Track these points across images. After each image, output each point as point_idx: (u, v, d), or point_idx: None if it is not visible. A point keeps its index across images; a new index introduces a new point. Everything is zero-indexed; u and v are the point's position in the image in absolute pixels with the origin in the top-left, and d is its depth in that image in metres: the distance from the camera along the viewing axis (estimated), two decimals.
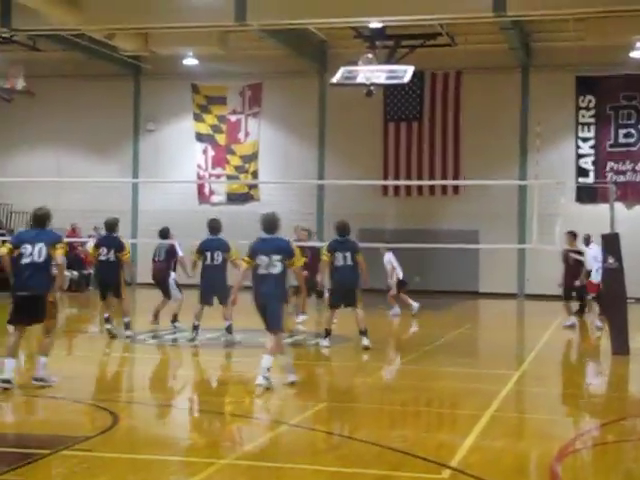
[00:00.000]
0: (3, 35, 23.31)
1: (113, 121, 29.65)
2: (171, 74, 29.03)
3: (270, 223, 10.31)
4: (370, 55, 20.48)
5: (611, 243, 14.00)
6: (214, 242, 14.16)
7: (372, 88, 20.85)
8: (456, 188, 27.27)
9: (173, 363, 13.06)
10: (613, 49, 25.29)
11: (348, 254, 13.61)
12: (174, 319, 15.59)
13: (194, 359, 13.27)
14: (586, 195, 26.30)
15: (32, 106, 28.08)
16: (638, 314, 17.31)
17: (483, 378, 11.92)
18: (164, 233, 16.32)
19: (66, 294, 14.61)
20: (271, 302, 10.08)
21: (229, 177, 29.18)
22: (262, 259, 10.07)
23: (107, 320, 14.52)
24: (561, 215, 15.29)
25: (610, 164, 26.45)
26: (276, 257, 10.05)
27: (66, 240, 13.93)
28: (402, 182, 27.30)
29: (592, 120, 26.75)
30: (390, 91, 27.29)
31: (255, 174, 29.01)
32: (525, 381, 11.67)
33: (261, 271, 10.07)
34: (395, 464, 7.03)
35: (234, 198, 29.05)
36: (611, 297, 14.00)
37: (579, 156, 26.84)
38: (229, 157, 29.26)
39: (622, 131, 26.50)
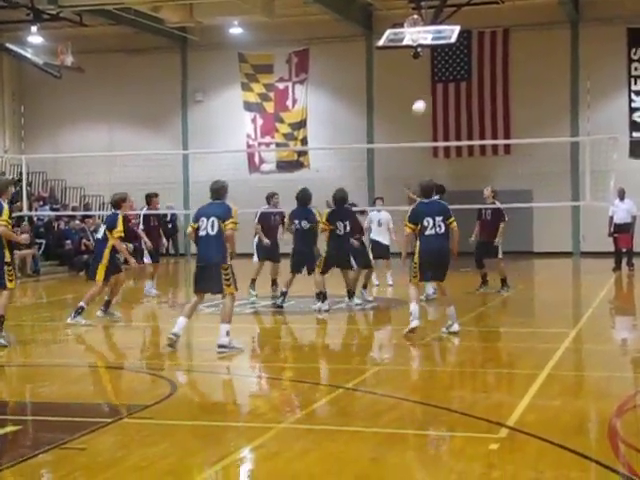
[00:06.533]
0: (50, 12, 23.50)
1: (162, 94, 29.84)
2: (217, 44, 29.07)
3: (430, 188, 11.44)
4: (416, 16, 20.18)
5: None
6: (302, 212, 14.29)
7: (419, 50, 20.59)
8: (507, 148, 26.97)
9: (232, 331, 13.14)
10: None
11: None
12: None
13: (251, 327, 13.37)
14: None
15: (82, 82, 28.35)
16: None
17: (539, 337, 11.85)
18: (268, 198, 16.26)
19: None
20: (444, 257, 11.16)
21: (278, 145, 29.22)
22: (428, 220, 11.06)
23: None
24: (614, 171, 15.02)
25: None
26: (439, 218, 11.07)
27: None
28: (452, 143, 27.06)
29: None
30: (437, 52, 27.01)
31: (304, 141, 29.01)
32: (582, 339, 11.58)
33: (428, 232, 11.07)
34: (452, 424, 7.06)
35: (284, 166, 29.11)
36: None
37: (632, 110, 26.34)
38: (278, 125, 29.27)
39: None
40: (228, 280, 10.43)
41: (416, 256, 11.25)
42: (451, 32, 19.78)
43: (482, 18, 26.17)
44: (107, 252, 12.98)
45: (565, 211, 26.21)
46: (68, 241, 23.84)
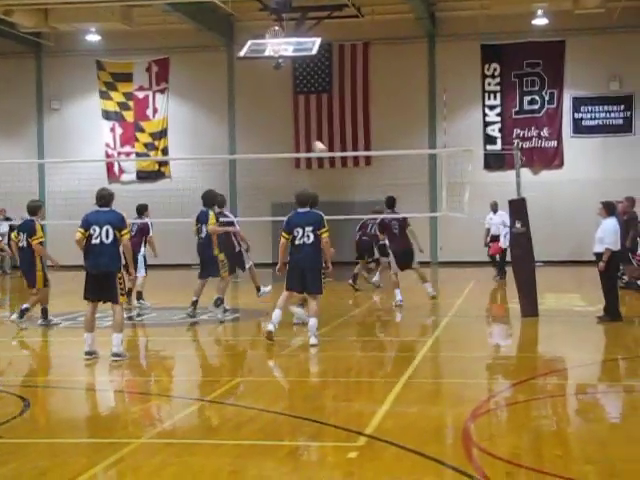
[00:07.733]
0: None
1: (15, 101, 28.88)
2: (74, 51, 28.40)
3: (305, 198, 11.45)
4: (277, 28, 20.28)
5: (518, 208, 14.29)
6: (203, 215, 13.99)
7: (280, 61, 20.73)
8: (368, 159, 27.41)
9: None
10: (516, 17, 25.79)
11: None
12: (139, 296, 15.78)
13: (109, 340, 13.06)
14: (494, 162, 26.81)
15: None
16: (545, 277, 17.77)
17: (397, 346, 12.08)
18: (141, 210, 16.07)
19: None
20: (310, 266, 11.28)
21: (138, 155, 28.77)
22: (298, 230, 11.24)
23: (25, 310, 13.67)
24: (469, 183, 15.49)
25: (516, 131, 26.95)
26: (309, 228, 11.20)
27: None
28: (313, 154, 27.27)
29: (498, 88, 27.20)
30: (299, 63, 27.22)
31: (165, 151, 28.68)
32: (438, 347, 11.87)
33: (297, 241, 11.24)
34: (312, 434, 7.10)
35: (144, 176, 28.70)
36: (519, 261, 14.30)
37: (486, 124, 27.28)
38: (138, 134, 28.83)
39: (527, 98, 27.01)
40: (122, 289, 10.56)
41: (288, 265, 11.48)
42: (312, 44, 19.97)
43: (343, 31, 26.56)
44: (38, 259, 13.45)
45: (423, 221, 26.81)
46: None
